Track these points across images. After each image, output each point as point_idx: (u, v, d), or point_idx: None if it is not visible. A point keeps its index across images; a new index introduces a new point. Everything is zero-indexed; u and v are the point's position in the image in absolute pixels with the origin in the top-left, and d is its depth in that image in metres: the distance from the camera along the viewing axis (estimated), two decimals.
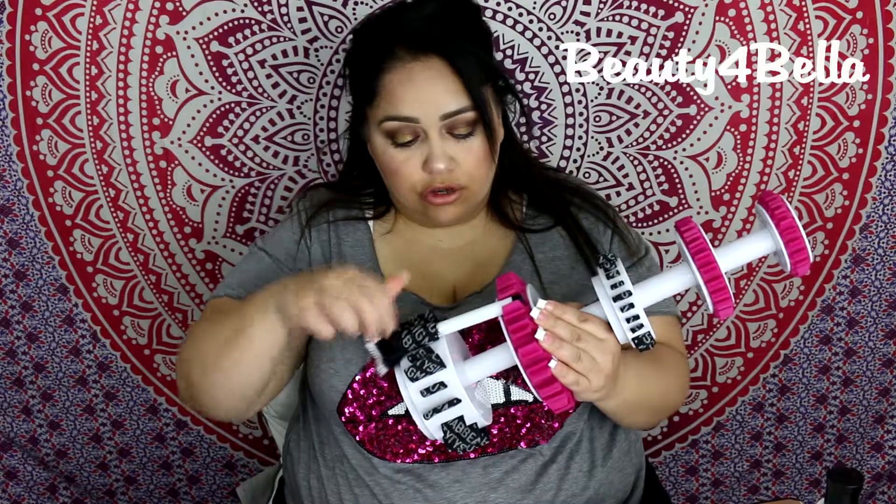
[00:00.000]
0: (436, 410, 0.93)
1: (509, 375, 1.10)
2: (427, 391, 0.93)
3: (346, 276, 0.94)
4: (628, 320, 0.92)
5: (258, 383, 1.06)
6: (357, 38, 1.18)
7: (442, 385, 0.93)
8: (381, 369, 0.96)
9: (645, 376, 1.08)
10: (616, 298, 0.92)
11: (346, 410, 1.12)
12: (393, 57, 1.10)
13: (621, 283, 0.93)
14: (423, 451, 1.11)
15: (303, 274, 1.01)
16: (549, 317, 0.92)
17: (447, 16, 1.10)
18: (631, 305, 0.92)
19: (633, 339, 0.93)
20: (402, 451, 1.11)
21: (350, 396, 1.12)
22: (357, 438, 1.13)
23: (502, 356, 0.96)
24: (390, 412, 1.11)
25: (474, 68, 1.10)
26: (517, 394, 1.10)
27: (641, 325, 0.92)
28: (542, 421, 1.11)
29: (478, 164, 1.12)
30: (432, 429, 0.95)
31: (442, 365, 0.93)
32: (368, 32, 1.16)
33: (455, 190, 1.13)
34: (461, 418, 0.94)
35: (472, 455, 1.10)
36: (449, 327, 0.96)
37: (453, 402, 0.93)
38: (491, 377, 1.10)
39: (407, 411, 0.98)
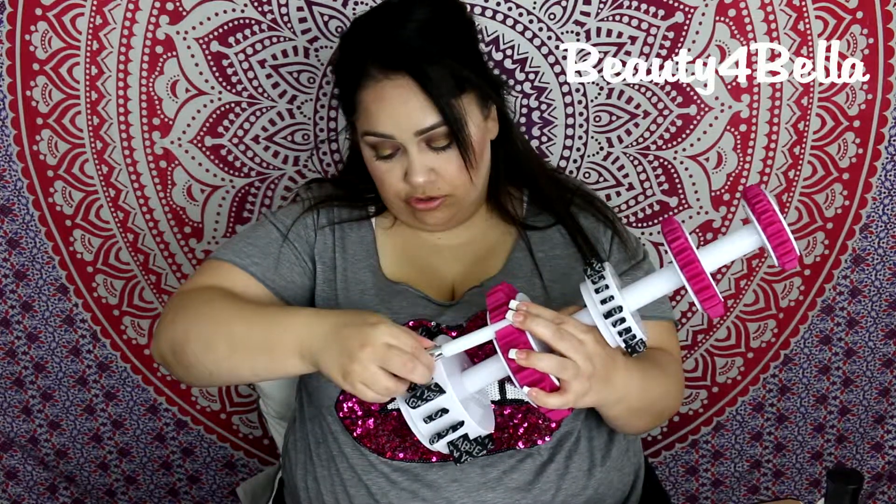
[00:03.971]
0: (441, 433, 0.95)
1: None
2: (429, 418, 0.94)
3: (382, 348, 0.93)
4: (621, 334, 0.93)
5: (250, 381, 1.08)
6: (339, 49, 1.18)
7: (444, 411, 0.94)
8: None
9: (648, 381, 1.08)
10: (606, 312, 0.92)
11: (345, 406, 1.13)
12: (366, 75, 1.10)
13: (611, 297, 0.92)
14: (422, 447, 1.11)
15: (339, 329, 0.98)
16: (525, 315, 0.91)
17: (420, 29, 1.09)
18: (622, 320, 0.92)
19: (626, 348, 0.94)
20: (399, 446, 1.11)
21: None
22: (355, 434, 1.13)
23: (500, 366, 0.96)
24: (389, 406, 1.11)
25: (446, 82, 1.09)
26: (512, 392, 1.10)
27: (634, 337, 0.93)
28: (540, 421, 1.11)
29: (458, 173, 1.13)
30: (439, 448, 0.96)
31: (441, 391, 0.93)
32: (347, 45, 1.16)
33: (437, 197, 1.14)
34: (466, 436, 0.95)
35: None
36: (445, 352, 0.95)
37: (456, 425, 0.94)
38: None
39: None
